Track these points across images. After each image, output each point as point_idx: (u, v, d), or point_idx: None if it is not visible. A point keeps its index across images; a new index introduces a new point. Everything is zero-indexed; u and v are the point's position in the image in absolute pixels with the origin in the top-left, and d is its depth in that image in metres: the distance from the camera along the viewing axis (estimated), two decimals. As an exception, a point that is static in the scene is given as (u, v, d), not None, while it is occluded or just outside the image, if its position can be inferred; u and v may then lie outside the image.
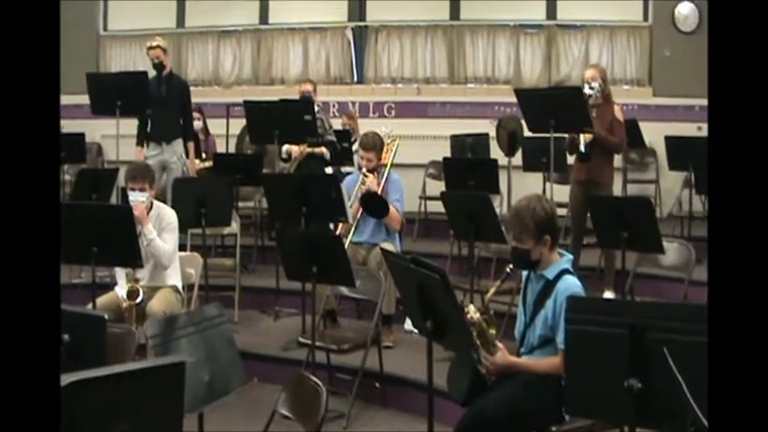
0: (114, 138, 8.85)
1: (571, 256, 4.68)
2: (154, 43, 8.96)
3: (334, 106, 12.10)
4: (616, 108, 7.62)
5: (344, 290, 6.41)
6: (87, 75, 9.01)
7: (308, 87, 9.41)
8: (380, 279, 6.15)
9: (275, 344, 6.96)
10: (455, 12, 12.45)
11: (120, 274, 6.32)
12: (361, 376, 6.00)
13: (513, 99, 8.35)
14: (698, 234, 9.03)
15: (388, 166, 7.32)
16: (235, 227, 8.06)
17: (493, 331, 4.52)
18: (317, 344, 5.94)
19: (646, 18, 11.87)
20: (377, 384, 6.21)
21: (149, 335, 3.82)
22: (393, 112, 12.15)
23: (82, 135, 10.32)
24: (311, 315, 5.97)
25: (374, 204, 7.04)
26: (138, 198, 6.17)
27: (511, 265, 4.60)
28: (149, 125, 8.92)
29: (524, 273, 4.69)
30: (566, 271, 4.47)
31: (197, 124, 10.81)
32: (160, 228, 6.29)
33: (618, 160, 9.09)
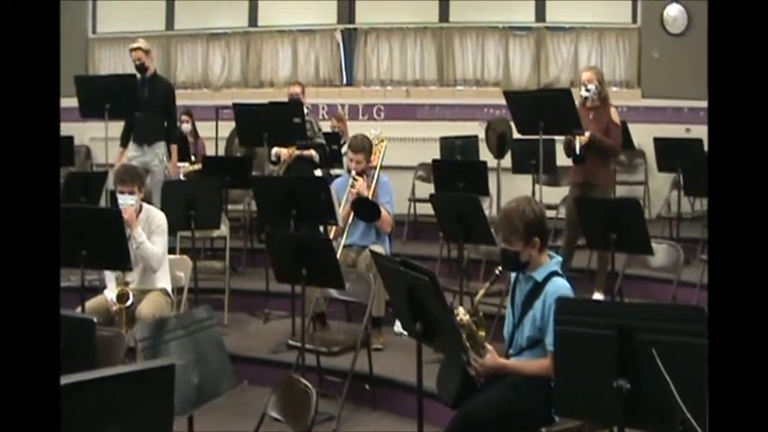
0: (103, 141, 8.84)
1: (560, 258, 4.70)
2: (135, 45, 8.91)
3: (323, 108, 12.10)
4: (613, 110, 7.63)
5: (334, 292, 6.40)
6: (76, 77, 8.97)
7: (297, 90, 9.41)
8: (370, 281, 6.15)
9: (265, 346, 6.96)
10: (444, 14, 12.46)
11: (110, 277, 6.31)
12: (350, 378, 5.99)
13: (503, 101, 8.36)
14: (686, 235, 9.08)
15: (377, 168, 7.33)
16: (224, 229, 8.06)
17: (482, 333, 4.52)
18: (307, 346, 5.93)
19: (634, 20, 11.90)
20: (367, 386, 6.21)
21: (138, 338, 3.82)
22: (382, 115, 12.16)
23: (71, 138, 10.30)
24: (301, 317, 5.97)
25: (366, 209, 7.04)
26: (127, 201, 6.15)
27: (500, 267, 4.61)
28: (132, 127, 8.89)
29: (513, 274, 4.70)
30: (555, 273, 4.48)
31: (186, 127, 10.83)
32: (149, 230, 6.28)
33: (608, 162, 9.13)
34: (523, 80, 12.05)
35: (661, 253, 6.60)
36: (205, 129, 11.16)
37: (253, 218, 9.61)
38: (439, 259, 8.53)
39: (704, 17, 10.83)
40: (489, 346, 4.47)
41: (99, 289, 6.49)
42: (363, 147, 7.21)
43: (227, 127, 10.80)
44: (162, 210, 6.64)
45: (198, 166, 9.70)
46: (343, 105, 12.22)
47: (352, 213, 7.09)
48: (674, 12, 11.46)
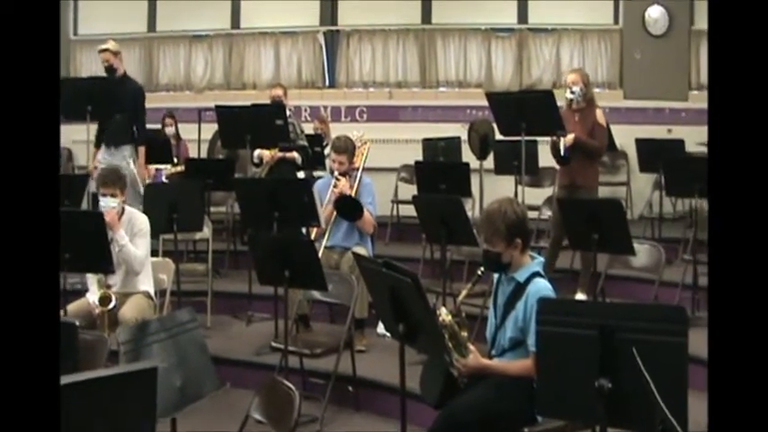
0: (85, 143, 8.81)
1: (542, 259, 4.71)
2: (104, 47, 8.84)
3: (305, 110, 12.10)
4: (598, 112, 7.65)
5: (317, 294, 6.40)
6: (57, 79, 8.91)
7: (279, 92, 9.39)
8: (353, 283, 6.15)
9: (248, 349, 6.95)
10: (427, 16, 12.49)
11: (92, 280, 6.29)
12: (334, 380, 5.98)
13: (485, 102, 8.39)
14: (668, 235, 9.12)
15: (360, 169, 7.33)
16: (207, 232, 8.04)
17: (465, 334, 4.52)
18: (290, 348, 5.92)
19: (616, 21, 11.95)
20: (350, 388, 6.21)
21: (121, 341, 3.81)
22: (365, 116, 12.16)
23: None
24: (284, 319, 5.97)
25: (348, 207, 7.04)
26: (109, 203, 6.14)
27: (482, 268, 4.62)
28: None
29: (495, 275, 4.71)
30: (536, 274, 4.50)
31: (169, 129, 10.80)
32: (132, 233, 6.26)
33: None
34: (506, 82, 12.08)
35: (643, 253, 6.63)
36: (187, 131, 11.14)
37: (235, 220, 9.59)
38: (422, 260, 8.54)
39: (686, 19, 10.93)
40: (472, 347, 4.49)
41: (81, 292, 6.47)
42: (346, 148, 7.21)
43: (209, 129, 10.77)
44: (144, 212, 6.62)
45: (180, 169, 9.68)
46: (325, 107, 12.22)
47: (334, 214, 7.09)
48: (655, 13, 11.51)
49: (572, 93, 7.57)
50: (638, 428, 3.32)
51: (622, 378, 3.15)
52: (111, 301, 5.97)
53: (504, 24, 12.23)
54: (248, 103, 9.23)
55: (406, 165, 10.40)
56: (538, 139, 8.20)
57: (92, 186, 7.86)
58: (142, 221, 6.38)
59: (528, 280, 4.47)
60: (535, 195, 8.91)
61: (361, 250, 6.78)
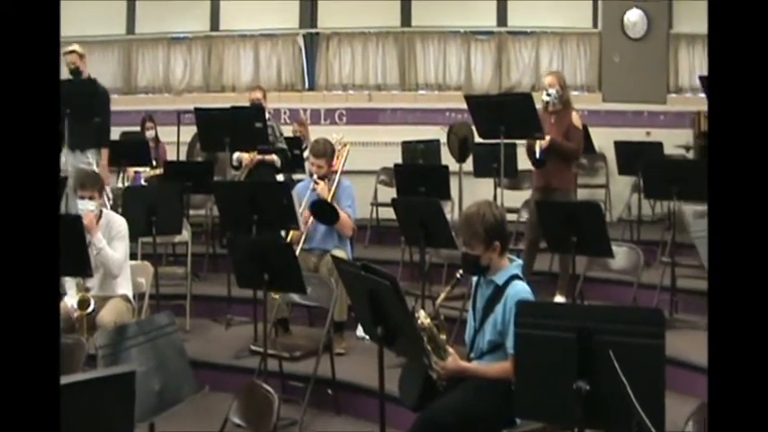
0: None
1: (521, 262, 4.72)
2: (70, 48, 8.75)
3: (285, 113, 12.10)
4: (574, 114, 7.68)
5: (296, 297, 6.39)
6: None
7: (258, 95, 9.37)
8: (332, 286, 6.15)
9: (227, 352, 6.93)
10: (406, 18, 12.51)
11: (70, 283, 6.25)
12: (313, 383, 5.97)
13: (464, 105, 8.40)
14: (646, 238, 9.16)
15: (339, 172, 7.33)
16: (186, 235, 8.01)
17: (444, 336, 4.53)
18: (269, 352, 5.92)
19: (595, 25, 12.03)
20: (329, 391, 6.20)
21: (98, 345, 3.79)
22: (344, 119, 12.18)
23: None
24: (263, 323, 5.96)
25: (323, 212, 7.03)
26: (87, 206, 6.10)
27: (461, 271, 4.63)
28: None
29: (474, 278, 4.72)
30: (515, 276, 4.51)
31: (149, 133, 10.77)
32: (110, 236, 6.23)
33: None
34: (485, 84, 12.12)
35: (621, 255, 6.67)
36: (166, 133, 11.11)
37: (215, 223, 9.58)
38: (401, 263, 8.55)
39: (664, 22, 10.99)
40: (451, 350, 4.49)
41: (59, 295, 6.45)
42: (325, 151, 7.20)
43: (188, 132, 10.75)
44: (123, 215, 6.59)
45: (159, 171, 9.66)
46: (305, 110, 12.22)
47: (311, 216, 7.08)
48: (634, 16, 11.59)
49: (548, 95, 7.60)
50: (616, 431, 3.33)
51: (600, 380, 3.16)
52: (89, 304, 5.94)
53: (484, 27, 12.29)
54: (227, 105, 9.20)
55: (386, 167, 10.39)
56: (517, 141, 8.21)
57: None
58: (120, 224, 6.35)
59: (507, 283, 4.48)
60: (514, 198, 8.92)
61: (340, 253, 6.77)
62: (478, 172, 9.85)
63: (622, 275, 6.93)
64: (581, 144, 7.84)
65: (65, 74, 8.64)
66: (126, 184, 9.44)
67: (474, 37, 12.25)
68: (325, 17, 12.70)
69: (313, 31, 12.64)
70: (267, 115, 8.61)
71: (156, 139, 10.92)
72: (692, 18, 11.46)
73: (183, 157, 11.16)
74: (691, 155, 10.95)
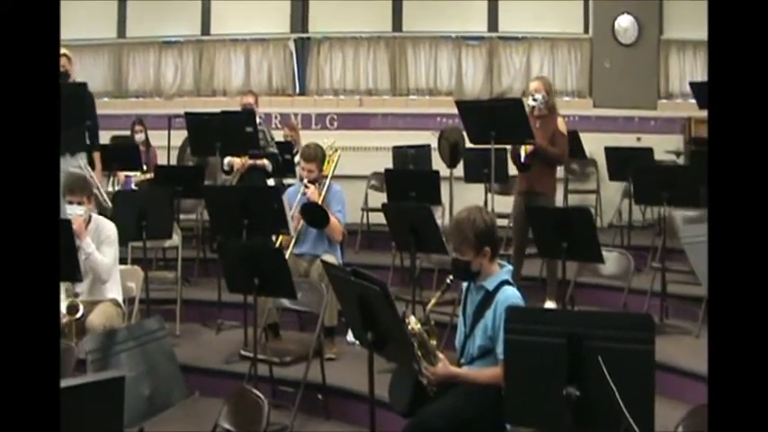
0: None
1: (511, 267, 4.72)
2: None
3: (276, 118, 12.09)
4: (559, 120, 7.70)
5: (286, 302, 6.38)
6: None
7: (250, 99, 9.37)
8: (322, 291, 6.14)
9: (217, 357, 6.92)
10: (397, 23, 12.52)
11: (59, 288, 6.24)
12: (303, 388, 5.97)
13: (455, 110, 8.40)
14: (637, 243, 9.18)
15: (329, 177, 7.33)
16: (176, 239, 8.00)
17: (434, 342, 4.53)
18: (260, 356, 5.91)
19: (586, 30, 12.04)
20: (319, 396, 6.19)
21: (87, 350, 3.79)
22: (335, 124, 12.17)
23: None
24: (253, 328, 5.95)
25: (314, 215, 7.03)
26: (75, 211, 6.08)
27: (451, 276, 4.63)
28: None
29: (465, 284, 4.72)
30: (505, 282, 4.52)
31: (138, 136, 10.74)
32: (99, 241, 6.21)
33: (559, 171, 9.19)
34: (476, 89, 12.13)
35: (612, 261, 6.67)
36: (157, 138, 11.07)
37: (205, 228, 9.55)
38: (391, 268, 8.55)
39: (655, 28, 11.02)
40: (441, 355, 4.49)
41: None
42: (316, 156, 7.21)
43: (179, 136, 10.74)
44: (113, 220, 6.57)
45: (150, 176, 9.64)
46: (295, 114, 12.22)
47: (301, 221, 7.08)
48: (625, 22, 11.62)
49: (534, 100, 7.63)
50: (606, 436, 3.33)
51: (590, 386, 3.16)
52: (78, 309, 5.92)
53: (475, 32, 12.30)
54: (218, 109, 9.19)
55: (377, 172, 10.39)
56: (508, 147, 8.22)
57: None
58: (109, 229, 6.33)
59: (497, 288, 4.49)
60: (505, 203, 8.92)
61: (330, 258, 6.77)
62: (469, 177, 9.87)
63: (613, 281, 6.94)
64: (566, 150, 7.87)
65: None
66: (116, 188, 9.41)
67: (465, 42, 12.26)
68: (316, 21, 12.70)
69: (304, 35, 12.64)
70: (258, 120, 8.60)
71: (147, 143, 10.90)
72: (683, 24, 11.52)
73: (173, 162, 11.14)
74: (681, 160, 10.97)
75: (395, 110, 12.17)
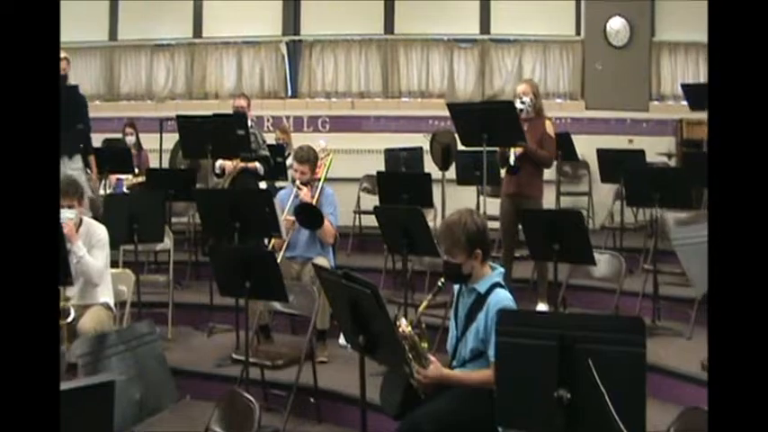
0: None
1: (502, 270, 4.72)
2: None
3: (268, 121, 12.09)
4: (547, 123, 7.70)
5: (278, 305, 6.37)
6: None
7: (243, 103, 9.36)
8: (314, 294, 6.13)
9: (209, 360, 6.91)
10: (389, 26, 12.53)
11: (50, 291, 6.21)
12: (295, 392, 5.95)
13: (447, 113, 8.40)
14: (629, 245, 9.18)
15: (322, 179, 7.33)
16: (168, 243, 7.98)
17: (425, 345, 4.52)
18: (251, 360, 5.89)
19: (578, 33, 12.07)
20: (311, 400, 6.18)
21: (78, 354, 3.77)
22: (327, 127, 12.18)
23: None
24: (245, 331, 5.94)
25: (308, 215, 7.03)
26: (66, 215, 6.06)
27: (443, 279, 4.62)
28: None
29: (456, 286, 4.72)
30: (497, 284, 4.51)
31: (130, 139, 10.73)
32: (90, 244, 6.19)
33: (551, 173, 9.21)
34: (468, 92, 12.15)
35: (604, 263, 6.67)
36: (149, 141, 11.06)
37: (197, 231, 9.55)
38: (383, 271, 8.55)
39: (646, 30, 11.02)
40: (432, 358, 4.49)
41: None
42: (309, 158, 7.21)
43: (171, 139, 10.70)
44: (104, 223, 6.56)
45: (141, 179, 9.63)
46: (287, 117, 12.23)
47: (294, 223, 7.07)
48: (616, 25, 11.64)
49: (522, 103, 7.62)
50: (597, 439, 3.33)
51: (581, 389, 3.15)
52: (69, 313, 5.89)
53: (467, 35, 12.32)
54: (210, 112, 9.18)
55: (369, 175, 10.40)
56: (499, 149, 8.22)
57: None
58: (100, 232, 6.31)
59: (489, 291, 4.48)
60: (496, 206, 8.91)
61: (322, 261, 6.77)
62: (461, 180, 9.86)
63: (605, 283, 6.94)
64: (554, 152, 7.87)
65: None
66: (108, 191, 9.41)
67: (457, 44, 12.28)
68: (308, 24, 12.71)
69: (296, 38, 12.65)
70: (250, 122, 8.60)
71: (139, 146, 10.89)
72: (675, 26, 11.55)
73: (165, 165, 11.12)
74: (673, 162, 11.00)
75: (387, 112, 12.18)
